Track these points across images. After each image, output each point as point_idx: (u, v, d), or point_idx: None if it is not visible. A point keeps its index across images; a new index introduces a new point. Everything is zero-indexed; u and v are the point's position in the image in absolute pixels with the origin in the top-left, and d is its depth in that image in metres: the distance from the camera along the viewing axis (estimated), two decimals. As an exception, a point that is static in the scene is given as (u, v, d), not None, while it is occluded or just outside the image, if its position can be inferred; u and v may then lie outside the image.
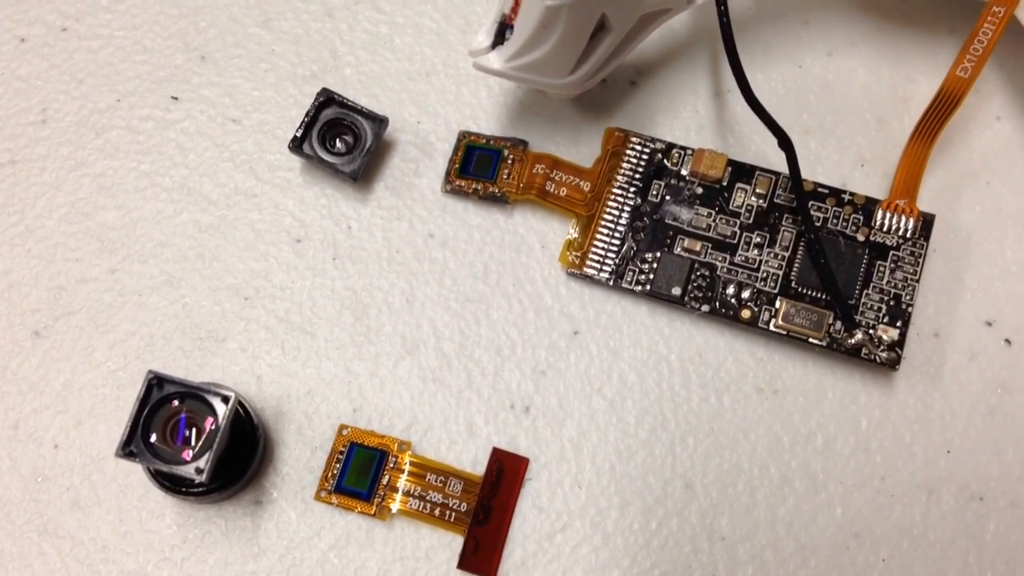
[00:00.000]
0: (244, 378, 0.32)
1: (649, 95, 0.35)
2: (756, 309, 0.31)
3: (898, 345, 0.30)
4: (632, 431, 0.31)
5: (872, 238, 0.31)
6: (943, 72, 0.32)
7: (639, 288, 0.32)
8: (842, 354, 0.30)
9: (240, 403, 0.30)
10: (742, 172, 0.33)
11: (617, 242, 0.32)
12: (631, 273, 0.32)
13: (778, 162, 0.32)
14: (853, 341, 0.30)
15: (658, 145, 0.33)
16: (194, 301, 0.33)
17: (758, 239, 0.32)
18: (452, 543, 0.30)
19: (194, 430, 0.28)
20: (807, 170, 0.33)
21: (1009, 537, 0.30)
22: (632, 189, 0.33)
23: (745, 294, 0.31)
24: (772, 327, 0.31)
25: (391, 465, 0.30)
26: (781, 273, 0.31)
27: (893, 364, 0.30)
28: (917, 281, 0.31)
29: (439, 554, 0.30)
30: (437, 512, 0.30)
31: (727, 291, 0.31)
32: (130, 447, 0.27)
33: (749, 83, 0.31)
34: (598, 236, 0.32)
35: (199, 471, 0.27)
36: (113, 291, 0.33)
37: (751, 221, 0.32)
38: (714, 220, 0.32)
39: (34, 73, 0.36)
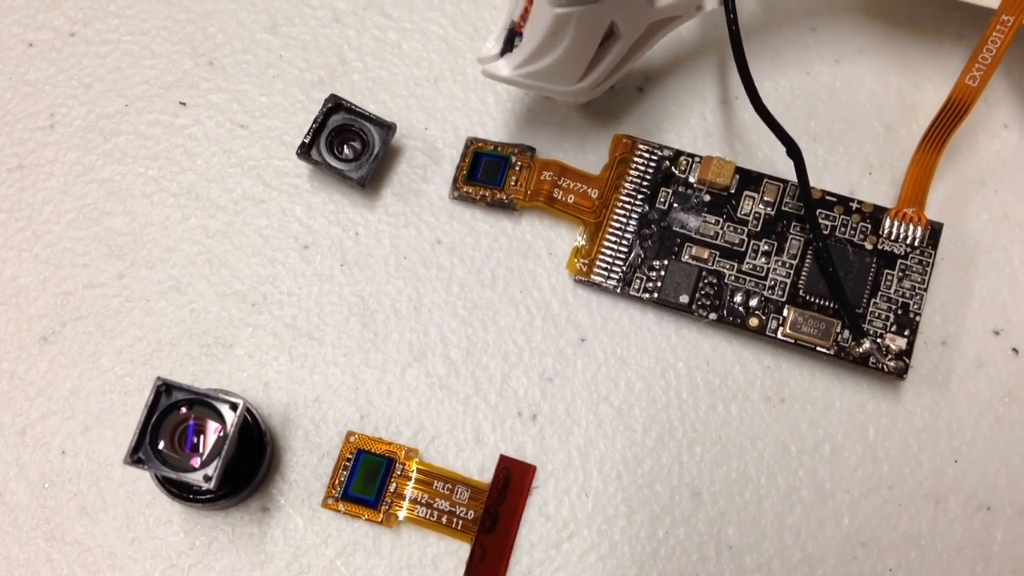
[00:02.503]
0: (251, 384, 0.32)
1: (657, 102, 0.35)
2: (764, 317, 0.31)
3: (906, 354, 0.30)
4: (639, 439, 0.31)
5: (880, 246, 0.31)
6: (950, 79, 0.32)
7: (646, 296, 0.32)
8: (850, 363, 0.30)
9: (248, 410, 0.30)
10: (750, 180, 0.33)
11: (625, 249, 0.32)
12: (638, 280, 0.32)
13: (786, 170, 0.32)
14: (861, 350, 0.30)
15: (666, 152, 0.33)
16: (201, 307, 0.33)
17: (766, 247, 0.32)
18: (459, 551, 0.30)
19: (202, 437, 0.28)
20: (815, 177, 0.33)
21: (1017, 547, 0.29)
22: (640, 196, 0.33)
23: (753, 302, 0.31)
24: (780, 335, 0.31)
25: (398, 472, 0.30)
26: (789, 281, 0.31)
27: (901, 373, 0.30)
28: (925, 290, 0.31)
29: (446, 562, 0.30)
30: (444, 520, 0.30)
31: (735, 299, 0.31)
32: (138, 454, 0.27)
33: (757, 91, 0.31)
34: (606, 243, 0.32)
35: (207, 478, 0.27)
36: (120, 297, 0.33)
37: (759, 229, 0.32)
38: (722, 228, 0.32)
39: (42, 78, 0.36)
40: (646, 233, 0.32)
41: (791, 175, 0.31)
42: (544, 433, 0.31)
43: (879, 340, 0.30)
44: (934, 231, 0.31)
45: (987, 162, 0.34)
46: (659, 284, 0.32)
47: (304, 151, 0.33)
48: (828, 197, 0.32)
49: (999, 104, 0.34)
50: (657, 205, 0.32)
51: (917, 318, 0.30)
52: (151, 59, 0.36)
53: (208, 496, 0.29)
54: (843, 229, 0.32)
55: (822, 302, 0.31)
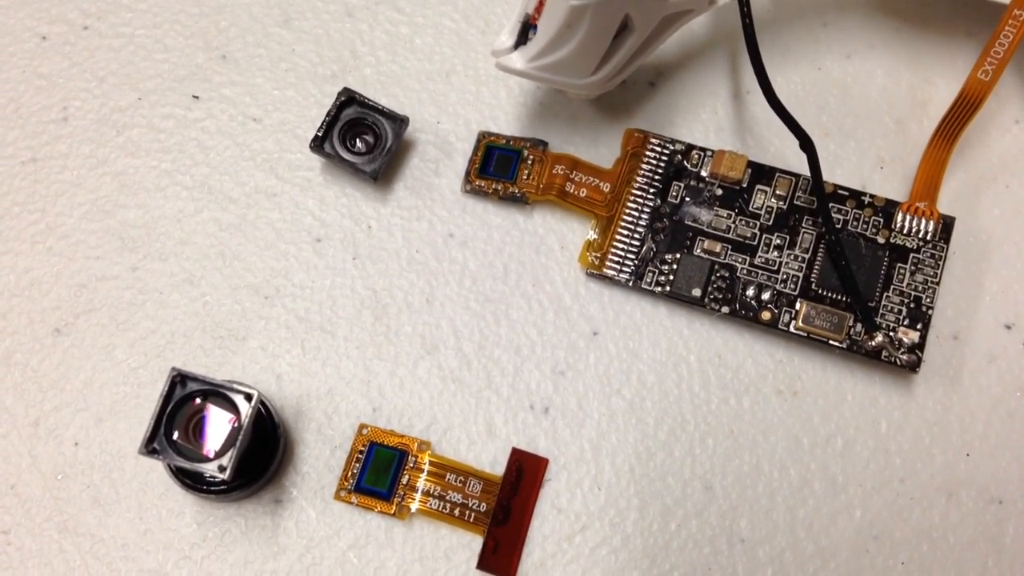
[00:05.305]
0: (264, 377, 0.32)
1: (668, 96, 0.35)
2: (776, 311, 0.31)
3: (918, 347, 0.30)
4: (651, 432, 0.31)
5: (892, 240, 0.31)
6: (961, 75, 0.32)
7: (659, 289, 0.32)
8: (862, 356, 0.30)
9: (261, 401, 0.30)
10: (762, 174, 0.33)
11: (637, 243, 0.32)
12: (651, 274, 0.32)
13: (797, 164, 0.32)
14: (873, 343, 0.30)
15: (677, 146, 0.33)
16: (214, 300, 0.33)
17: (778, 241, 0.32)
18: (472, 543, 0.30)
19: (207, 429, 0.28)
20: (826, 172, 0.33)
21: (1029, 540, 0.30)
22: (652, 190, 0.33)
23: (765, 296, 0.31)
24: (792, 329, 0.31)
25: (411, 465, 0.30)
26: (801, 275, 0.31)
27: (913, 367, 0.30)
28: (937, 284, 0.31)
29: (458, 554, 0.30)
30: (457, 512, 0.30)
31: (747, 292, 0.31)
32: (153, 444, 0.27)
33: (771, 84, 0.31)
34: (618, 237, 0.32)
35: (222, 468, 0.27)
36: (134, 289, 0.33)
37: (771, 223, 0.32)
38: (734, 221, 0.32)
39: (55, 71, 0.36)
40: (658, 227, 0.32)
41: (803, 169, 0.32)
42: (556, 426, 0.31)
43: (891, 334, 0.30)
44: (946, 225, 0.31)
45: (998, 157, 0.34)
46: (671, 278, 0.32)
47: (317, 144, 0.33)
48: (840, 191, 0.32)
49: (1010, 100, 0.34)
50: (669, 199, 0.33)
51: (929, 312, 0.31)
52: (164, 53, 0.36)
53: (221, 487, 0.29)
54: (855, 223, 0.32)
55: (834, 296, 0.31)
